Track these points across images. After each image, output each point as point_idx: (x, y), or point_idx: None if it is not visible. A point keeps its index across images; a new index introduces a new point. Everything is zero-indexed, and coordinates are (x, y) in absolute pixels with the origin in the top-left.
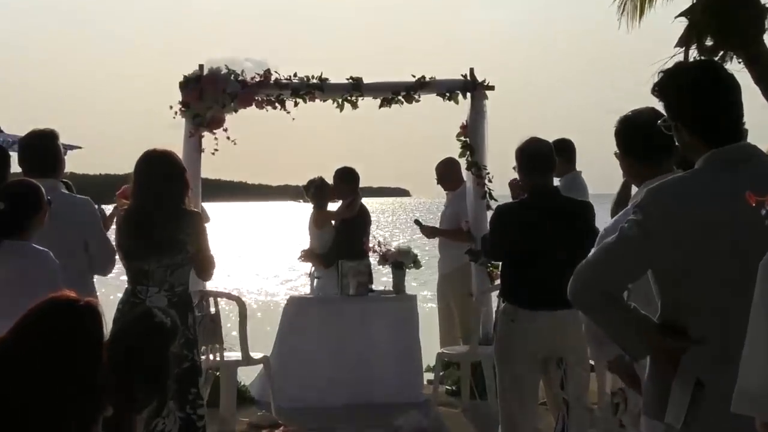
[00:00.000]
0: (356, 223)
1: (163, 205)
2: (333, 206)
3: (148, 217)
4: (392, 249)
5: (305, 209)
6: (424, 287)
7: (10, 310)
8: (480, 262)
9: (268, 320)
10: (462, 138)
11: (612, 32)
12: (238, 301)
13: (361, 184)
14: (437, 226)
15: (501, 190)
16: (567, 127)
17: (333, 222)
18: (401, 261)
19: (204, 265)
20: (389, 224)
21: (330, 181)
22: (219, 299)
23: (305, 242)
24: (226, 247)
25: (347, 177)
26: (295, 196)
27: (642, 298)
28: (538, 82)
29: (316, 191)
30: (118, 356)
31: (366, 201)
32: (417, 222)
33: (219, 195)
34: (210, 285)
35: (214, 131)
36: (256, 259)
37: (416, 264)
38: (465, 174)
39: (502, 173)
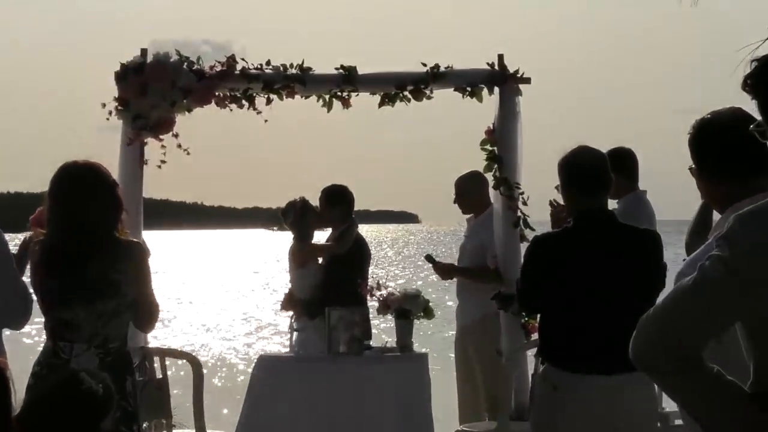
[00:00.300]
0: (350, 259)
1: (88, 234)
2: (320, 236)
3: (69, 251)
4: (396, 293)
5: (282, 240)
6: (438, 343)
7: None
8: (512, 311)
9: (231, 387)
10: (488, 146)
11: (681, 7)
12: (193, 361)
13: (356, 207)
14: (455, 263)
15: (539, 215)
16: (625, 134)
17: (319, 258)
18: (408, 309)
19: (146, 313)
20: (392, 260)
21: (315, 203)
22: (167, 359)
23: (283, 283)
24: (176, 290)
25: (337, 198)
26: (268, 222)
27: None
28: (586, 74)
29: (297, 217)
30: None
31: (363, 229)
32: (429, 258)
33: (166, 220)
34: (154, 340)
35: (161, 137)
36: (216, 305)
37: (428, 313)
38: (492, 194)
39: (540, 193)
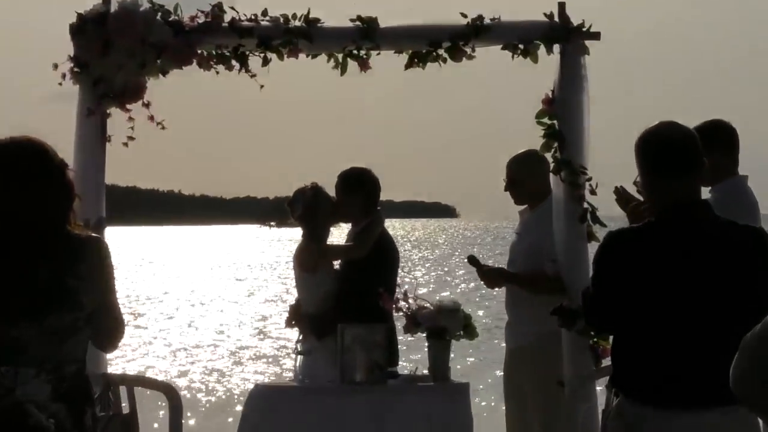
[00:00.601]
0: (372, 263)
1: (31, 228)
2: (336, 234)
3: (11, 253)
4: (428, 305)
5: (282, 239)
6: (480, 370)
7: None
8: (577, 330)
9: (218, 425)
10: (545, 120)
11: None
12: (168, 391)
13: (382, 197)
14: (504, 267)
15: (610, 209)
16: (723, 107)
17: (334, 262)
18: (443, 326)
19: (109, 328)
20: (424, 264)
21: (331, 191)
22: (137, 388)
23: (283, 292)
24: (146, 302)
25: (357, 185)
26: (264, 216)
27: None
28: (674, 29)
29: (307, 210)
30: None
31: (389, 225)
32: (473, 260)
33: (135, 213)
34: (121, 364)
35: (128, 107)
36: (199, 321)
37: (469, 332)
38: (552, 181)
39: (611, 180)
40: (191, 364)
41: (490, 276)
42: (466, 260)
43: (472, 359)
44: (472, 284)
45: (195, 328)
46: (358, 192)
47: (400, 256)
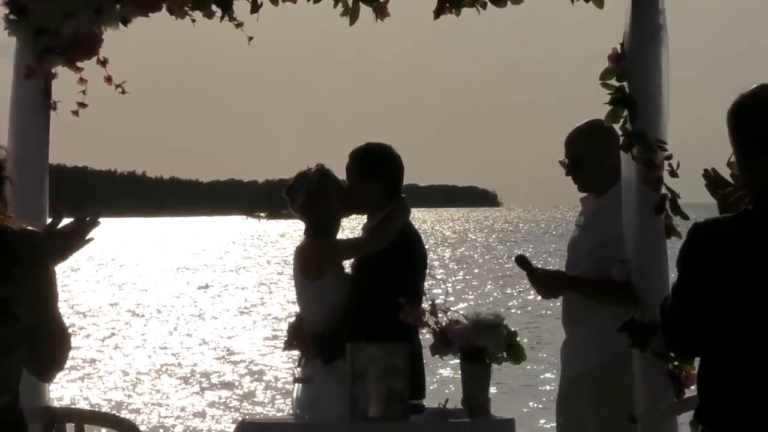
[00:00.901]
0: (391, 265)
1: None
2: (349, 229)
3: None
4: (463, 319)
5: (275, 233)
6: (526, 398)
7: None
8: (653, 351)
9: None
10: (612, 81)
11: None
12: (127, 428)
13: (406, 181)
14: (562, 269)
15: (695, 195)
16: None
17: (345, 264)
18: (481, 346)
19: (51, 348)
20: (458, 264)
21: (341, 175)
22: (87, 425)
23: (275, 304)
24: (94, 317)
25: (375, 166)
26: (252, 205)
27: None
28: None
29: (311, 197)
30: None
31: (415, 216)
32: (521, 261)
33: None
34: (64, 393)
35: (79, 65)
36: (165, 335)
37: (515, 353)
38: (622, 161)
39: (695, 158)
40: (157, 394)
41: (544, 282)
42: (513, 260)
43: (513, 383)
44: (504, 288)
45: (162, 348)
46: (377, 175)
47: (444, 254)
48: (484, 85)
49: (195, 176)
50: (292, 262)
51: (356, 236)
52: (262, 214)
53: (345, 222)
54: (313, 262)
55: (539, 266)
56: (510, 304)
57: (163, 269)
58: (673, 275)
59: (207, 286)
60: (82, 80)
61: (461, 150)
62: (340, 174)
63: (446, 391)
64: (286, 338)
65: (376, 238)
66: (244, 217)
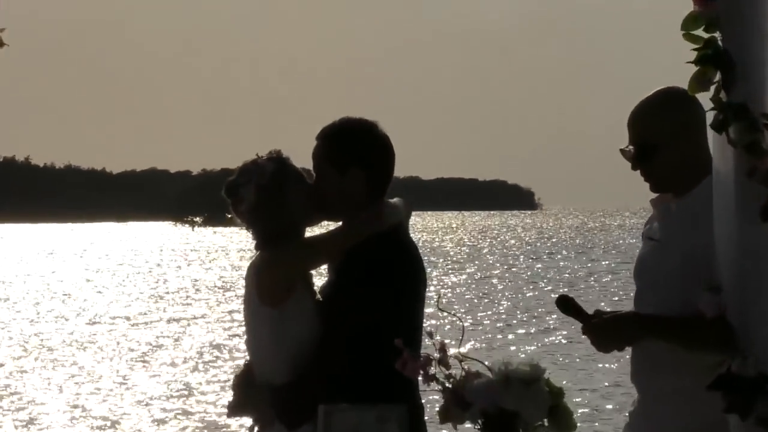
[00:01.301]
0: (378, 293)
1: None
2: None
3: None
4: (486, 370)
5: (210, 244)
6: None
7: None
8: (758, 417)
9: None
10: (700, 32)
11: None
12: None
13: (406, 173)
14: (633, 309)
15: None
16: None
17: (314, 287)
18: (512, 410)
19: None
20: (476, 291)
21: (304, 164)
22: None
23: (217, 342)
24: None
25: (350, 150)
26: (181, 206)
27: None
28: None
29: (262, 196)
30: None
31: (413, 222)
32: (563, 304)
33: None
34: None
35: None
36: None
37: (561, 421)
38: (712, 144)
39: None
40: None
41: (612, 331)
42: (555, 303)
43: None
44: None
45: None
46: (355, 163)
47: (457, 281)
48: (507, 38)
49: (102, 166)
50: (243, 287)
51: (327, 232)
52: (196, 219)
53: (309, 231)
54: (277, 280)
55: (599, 309)
56: (548, 341)
57: (82, 288)
58: None
59: (157, 321)
60: None
61: (482, 131)
62: (305, 164)
63: None
64: (231, 399)
65: (345, 231)
66: (172, 223)
